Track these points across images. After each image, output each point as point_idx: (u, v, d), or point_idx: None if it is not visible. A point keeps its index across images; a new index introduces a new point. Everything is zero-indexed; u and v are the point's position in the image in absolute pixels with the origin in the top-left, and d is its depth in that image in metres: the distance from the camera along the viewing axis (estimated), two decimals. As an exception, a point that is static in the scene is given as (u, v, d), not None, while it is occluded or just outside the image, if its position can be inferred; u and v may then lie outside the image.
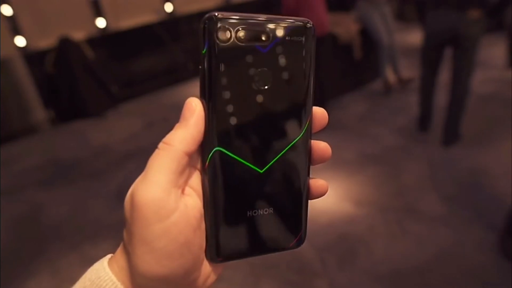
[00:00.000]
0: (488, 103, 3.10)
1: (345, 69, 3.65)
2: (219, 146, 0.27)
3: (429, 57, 2.61)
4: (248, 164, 0.27)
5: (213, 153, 0.27)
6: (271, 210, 0.29)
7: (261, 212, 0.28)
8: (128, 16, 4.45)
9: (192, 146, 0.26)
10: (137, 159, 2.96)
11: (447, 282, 1.67)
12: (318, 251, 1.88)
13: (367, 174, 2.45)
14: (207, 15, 0.26)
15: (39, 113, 4.03)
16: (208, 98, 0.26)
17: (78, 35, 4.09)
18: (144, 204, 0.24)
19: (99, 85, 4.06)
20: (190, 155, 0.27)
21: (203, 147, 0.28)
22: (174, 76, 4.73)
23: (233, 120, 0.27)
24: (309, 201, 0.31)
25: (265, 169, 0.28)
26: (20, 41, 3.89)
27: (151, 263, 0.25)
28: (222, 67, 0.26)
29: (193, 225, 0.26)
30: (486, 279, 1.66)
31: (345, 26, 3.49)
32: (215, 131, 0.27)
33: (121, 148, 3.25)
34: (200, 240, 0.27)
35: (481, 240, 1.82)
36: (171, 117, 3.15)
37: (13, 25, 3.84)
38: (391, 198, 2.22)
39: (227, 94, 0.26)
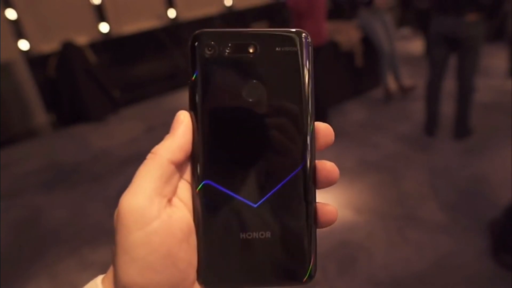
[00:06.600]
0: (488, 112, 3.10)
1: (346, 76, 3.67)
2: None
3: (434, 60, 2.69)
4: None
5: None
6: (267, 242, 0.26)
7: (256, 243, 0.26)
8: (131, 21, 4.48)
9: (177, 154, 0.25)
10: (137, 163, 2.88)
11: (447, 290, 1.67)
12: (318, 258, 1.87)
13: (368, 181, 2.45)
14: (195, 32, 0.26)
15: (41, 116, 4.05)
16: (195, 112, 0.26)
17: (81, 39, 4.11)
18: (126, 212, 0.24)
19: (101, 89, 4.08)
20: (176, 164, 0.26)
21: (192, 172, 0.26)
22: (176, 81, 4.74)
23: (223, 144, 0.25)
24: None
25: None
26: (23, 44, 3.92)
27: (133, 274, 0.23)
28: (211, 84, 0.25)
29: (178, 237, 0.24)
30: (486, 287, 1.65)
31: (347, 34, 3.51)
32: (203, 158, 0.26)
33: (122, 153, 3.26)
34: (188, 256, 0.25)
35: (481, 248, 1.82)
36: (172, 122, 3.15)
37: (17, 29, 3.87)
38: (392, 205, 2.22)
39: (216, 112, 0.25)
